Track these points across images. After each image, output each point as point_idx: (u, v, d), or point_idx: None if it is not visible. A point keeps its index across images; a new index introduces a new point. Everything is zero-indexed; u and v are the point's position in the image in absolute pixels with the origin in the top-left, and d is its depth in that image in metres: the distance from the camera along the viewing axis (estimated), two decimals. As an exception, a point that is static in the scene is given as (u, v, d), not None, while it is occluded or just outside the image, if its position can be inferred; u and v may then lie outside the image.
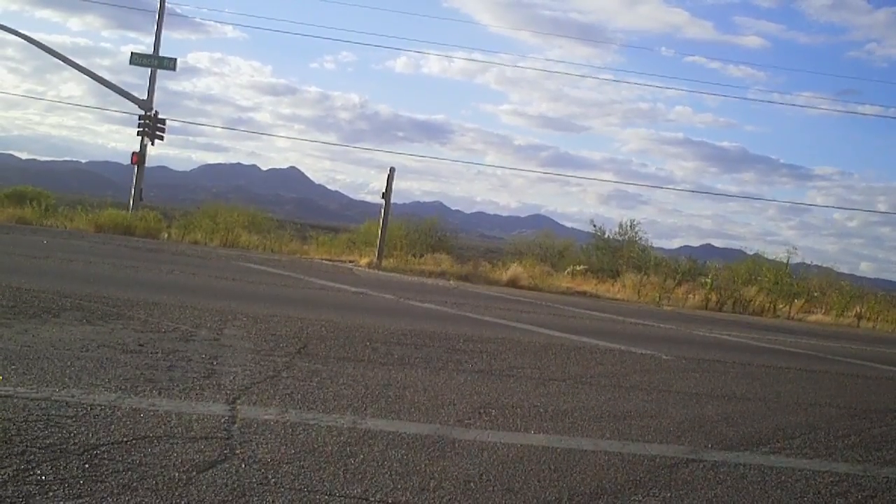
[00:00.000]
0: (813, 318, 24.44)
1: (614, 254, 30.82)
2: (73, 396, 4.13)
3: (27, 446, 3.30)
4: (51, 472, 3.06)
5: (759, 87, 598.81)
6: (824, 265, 30.98)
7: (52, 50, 28.64)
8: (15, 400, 3.93)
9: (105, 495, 2.91)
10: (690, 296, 24.00)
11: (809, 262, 30.73)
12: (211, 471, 3.30)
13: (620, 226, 32.28)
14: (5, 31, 27.93)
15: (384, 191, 22.48)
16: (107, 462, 3.24)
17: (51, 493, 2.87)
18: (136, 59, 27.35)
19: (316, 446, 3.83)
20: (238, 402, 4.49)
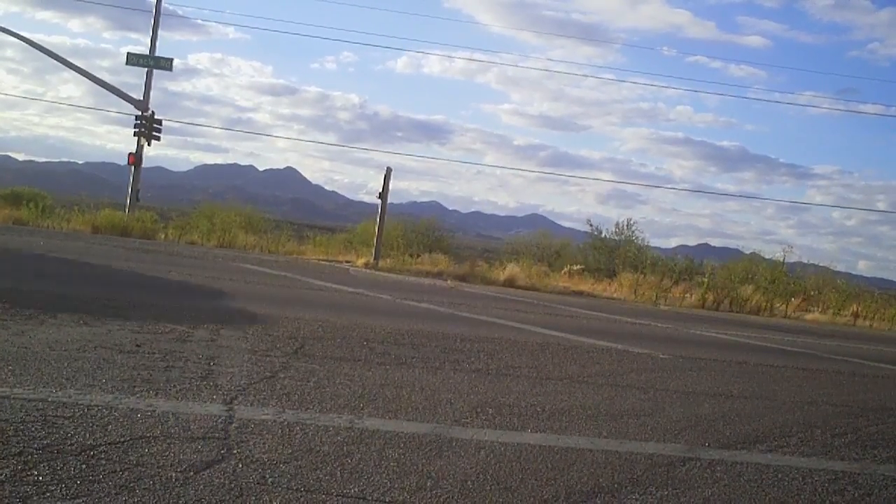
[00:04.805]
0: (809, 316, 24.50)
1: (611, 253, 30.90)
2: (70, 397, 4.13)
3: (24, 447, 3.30)
4: (48, 472, 3.06)
5: (760, 87, 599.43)
6: (821, 264, 31.08)
7: (49, 51, 28.62)
8: (12, 401, 3.93)
9: (102, 495, 2.91)
10: (687, 295, 24.03)
11: (806, 261, 30.84)
12: (208, 471, 3.30)
13: (617, 225, 32.34)
14: (4, 32, 27.93)
15: (381, 191, 22.47)
16: (104, 462, 3.24)
17: (48, 494, 2.87)
18: (133, 59, 27.40)
19: (313, 446, 3.83)
20: (235, 402, 4.49)
